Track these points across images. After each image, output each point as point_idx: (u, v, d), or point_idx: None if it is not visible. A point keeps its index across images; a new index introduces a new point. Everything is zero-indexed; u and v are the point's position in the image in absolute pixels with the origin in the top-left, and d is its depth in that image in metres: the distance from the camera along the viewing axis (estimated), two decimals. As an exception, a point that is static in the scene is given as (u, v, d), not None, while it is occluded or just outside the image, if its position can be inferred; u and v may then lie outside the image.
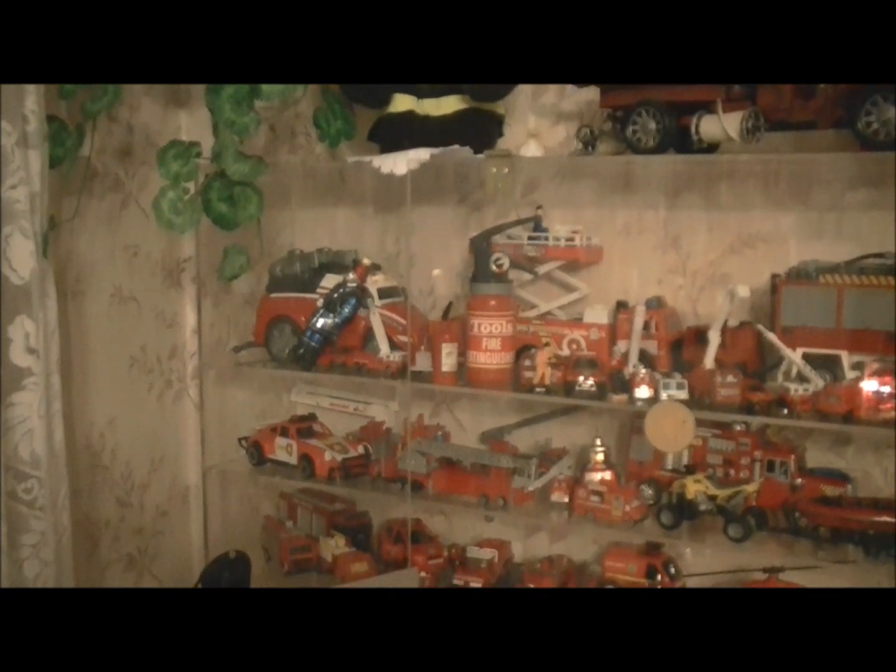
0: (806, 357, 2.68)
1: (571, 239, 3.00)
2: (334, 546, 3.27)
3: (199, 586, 2.87)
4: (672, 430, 2.70)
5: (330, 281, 3.21)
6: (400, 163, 2.90)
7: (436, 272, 3.35)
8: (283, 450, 3.31)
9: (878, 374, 2.52)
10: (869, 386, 2.52)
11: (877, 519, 2.61)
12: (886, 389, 2.51)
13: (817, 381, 2.63)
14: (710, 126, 2.64)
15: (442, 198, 3.33)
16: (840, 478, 2.80)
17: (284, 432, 3.33)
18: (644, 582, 2.96)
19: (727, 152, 2.76)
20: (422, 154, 2.89)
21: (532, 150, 3.03)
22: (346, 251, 3.37)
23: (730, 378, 2.68)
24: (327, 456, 3.21)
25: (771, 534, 2.79)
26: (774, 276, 2.78)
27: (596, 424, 3.10)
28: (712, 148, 2.76)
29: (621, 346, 2.90)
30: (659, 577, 2.95)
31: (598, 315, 2.95)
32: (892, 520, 2.61)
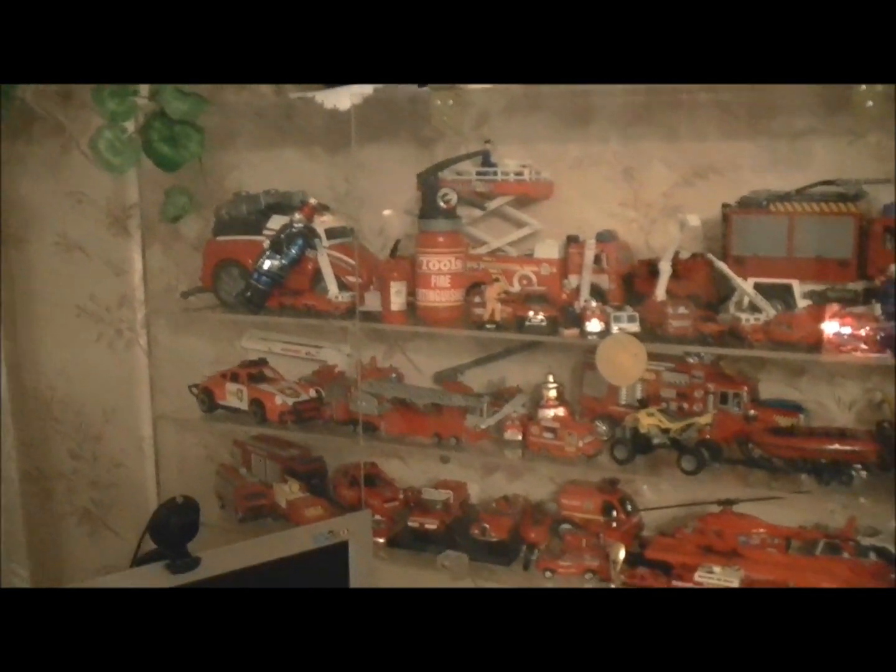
0: (758, 287, 2.65)
1: (520, 173, 2.95)
2: (288, 491, 3.23)
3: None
4: (624, 363, 2.66)
5: (277, 222, 3.14)
6: (343, 97, 2.83)
7: (387, 212, 3.29)
8: (234, 395, 3.26)
9: (839, 315, 2.49)
10: (830, 328, 2.49)
11: (829, 447, 2.61)
12: (847, 331, 2.48)
13: (769, 311, 2.60)
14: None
15: (392, 135, 3.25)
16: (793, 408, 2.78)
17: (235, 378, 3.28)
18: (600, 519, 2.95)
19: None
20: (365, 88, 2.82)
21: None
22: (294, 192, 3.29)
23: (681, 309, 2.65)
24: (278, 400, 3.17)
25: (726, 465, 2.78)
26: (725, 206, 2.74)
27: (549, 361, 3.06)
28: (662, 76, 2.70)
29: (573, 280, 2.86)
30: (615, 513, 2.95)
31: (548, 250, 2.91)
32: (844, 448, 2.60)
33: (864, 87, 2.33)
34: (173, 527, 2.24)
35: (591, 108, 2.99)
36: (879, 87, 2.32)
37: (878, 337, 2.44)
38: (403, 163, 3.21)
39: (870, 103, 2.34)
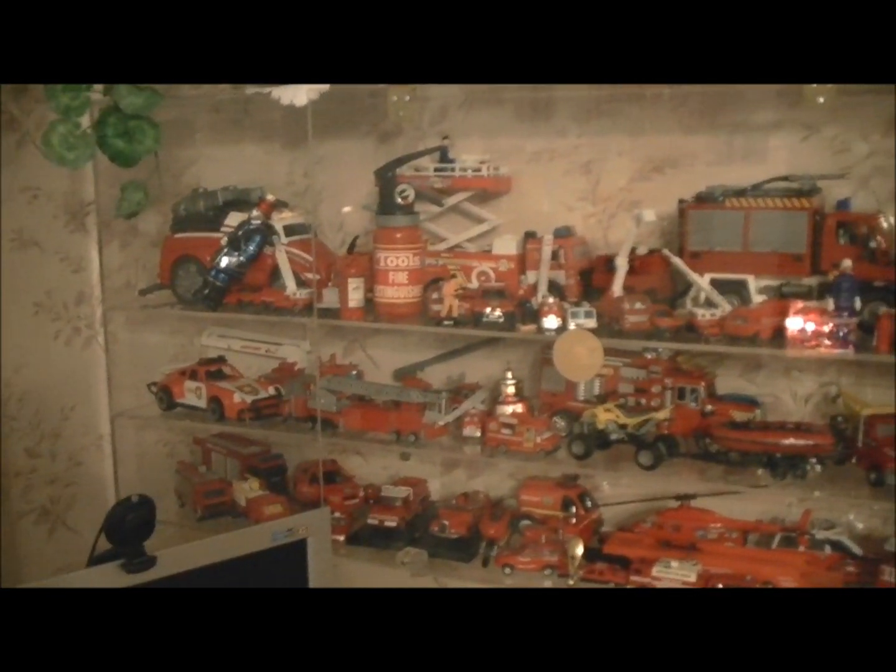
0: (714, 282, 2.66)
1: (478, 169, 2.94)
2: (248, 489, 3.21)
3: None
4: (580, 358, 2.66)
5: (235, 219, 3.13)
6: (300, 93, 2.81)
7: (346, 208, 3.28)
8: (193, 393, 3.24)
9: (803, 312, 2.50)
10: (794, 324, 2.50)
11: (783, 441, 2.62)
12: (811, 327, 2.48)
13: (724, 306, 2.61)
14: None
15: (351, 130, 3.24)
16: (750, 402, 2.80)
17: (194, 375, 3.26)
18: (560, 514, 2.95)
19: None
20: (322, 84, 2.80)
21: (438, 77, 2.95)
22: (253, 188, 3.28)
23: (638, 304, 2.65)
24: (237, 397, 3.15)
25: (684, 460, 2.79)
26: (681, 202, 2.75)
27: (509, 357, 3.06)
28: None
29: (530, 276, 2.86)
30: (574, 508, 2.95)
31: (506, 246, 2.91)
32: (799, 442, 2.61)
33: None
34: (128, 526, 2.22)
35: (550, 102, 2.99)
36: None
37: (841, 333, 2.46)
38: (363, 158, 3.20)
39: (821, 99, 2.35)
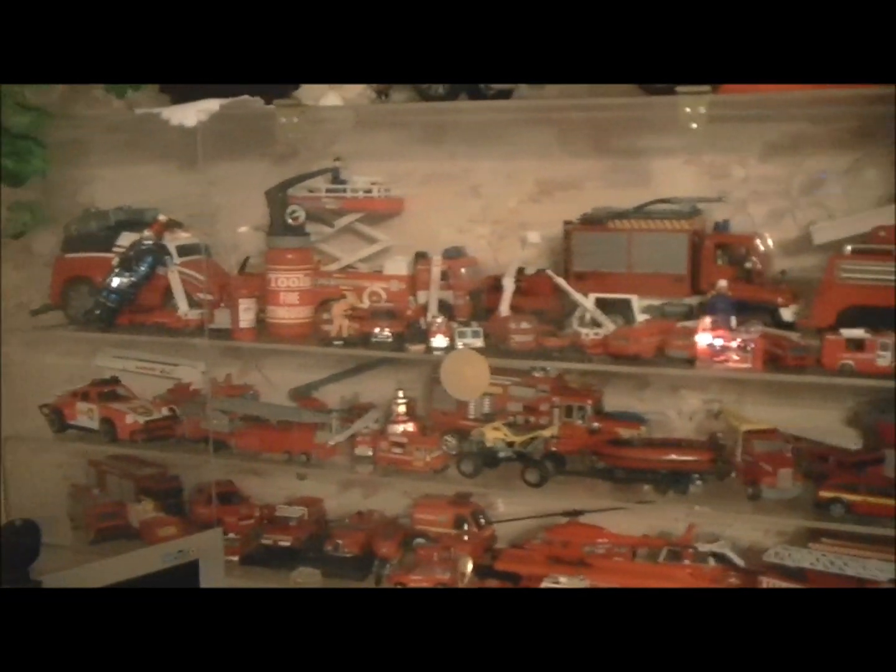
0: (599, 302, 2.72)
1: (369, 190, 2.97)
2: (142, 511, 3.19)
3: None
4: (467, 378, 2.71)
5: (127, 239, 3.12)
6: (189, 114, 2.81)
7: (242, 229, 3.27)
8: (85, 415, 3.21)
9: (712, 327, 2.55)
10: (703, 339, 2.54)
11: (665, 458, 2.68)
12: (720, 342, 2.54)
13: (608, 325, 2.66)
14: (496, 72, 2.63)
15: (247, 152, 3.25)
16: (636, 420, 2.86)
17: (86, 397, 3.23)
18: (453, 532, 2.98)
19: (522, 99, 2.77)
20: (211, 105, 2.81)
21: (331, 99, 2.97)
22: (147, 209, 3.26)
23: (524, 324, 2.70)
24: (129, 419, 3.13)
25: (574, 477, 2.83)
26: (567, 223, 2.81)
27: (402, 377, 3.08)
28: (506, 94, 2.76)
29: (421, 296, 2.89)
30: (467, 526, 2.98)
31: (397, 266, 2.94)
32: (681, 458, 2.68)
33: (687, 109, 2.41)
34: (11, 550, 2.20)
35: (441, 125, 3.03)
36: (702, 109, 2.40)
37: (748, 348, 2.51)
38: (259, 179, 3.19)
39: (694, 125, 2.42)
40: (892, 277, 2.42)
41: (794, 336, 2.54)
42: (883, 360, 2.38)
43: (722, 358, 2.52)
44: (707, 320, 2.55)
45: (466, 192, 3.03)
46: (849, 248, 2.49)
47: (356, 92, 3.04)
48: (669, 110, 2.47)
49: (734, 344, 2.51)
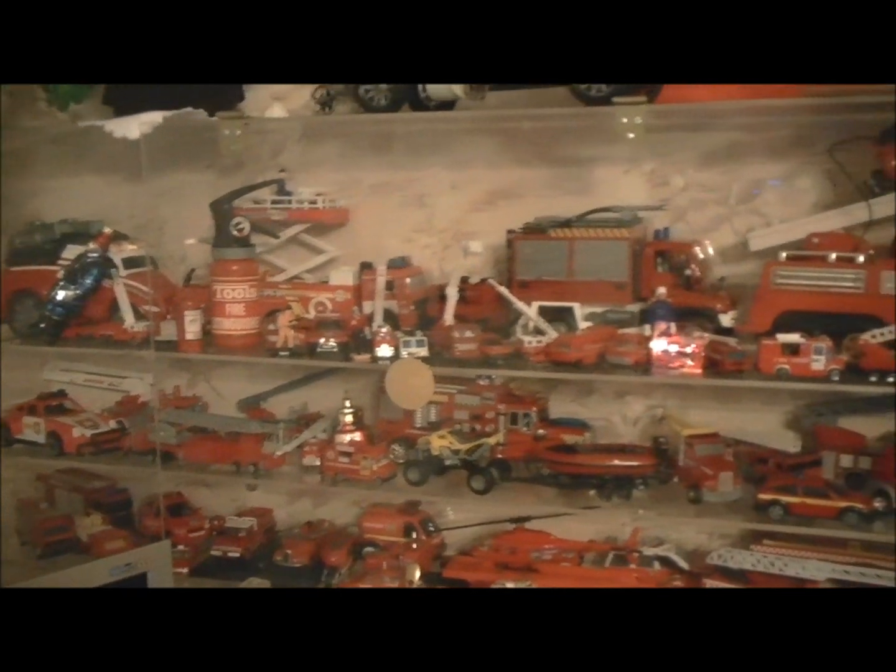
0: (543, 310, 2.74)
1: (314, 201, 2.99)
2: (90, 524, 3.17)
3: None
4: (412, 387, 2.72)
5: (72, 252, 3.11)
6: (132, 126, 2.81)
7: (189, 241, 3.27)
8: (31, 428, 3.20)
9: (666, 333, 2.57)
10: (658, 345, 2.56)
11: (608, 463, 2.71)
12: (674, 348, 2.56)
13: (551, 333, 2.69)
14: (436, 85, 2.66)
15: (193, 163, 3.25)
16: (580, 426, 2.88)
17: (32, 410, 3.22)
18: (401, 540, 2.99)
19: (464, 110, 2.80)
20: (154, 117, 2.81)
21: (277, 111, 2.98)
22: (93, 221, 3.25)
23: (467, 333, 2.72)
24: (76, 432, 3.12)
25: (521, 484, 2.85)
26: (510, 232, 2.83)
27: (349, 386, 3.09)
28: (448, 105, 2.78)
29: (367, 306, 2.91)
30: (415, 534, 3.00)
31: (343, 277, 2.95)
32: (625, 463, 2.71)
33: (624, 119, 2.45)
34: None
35: (387, 135, 3.05)
36: (638, 119, 2.44)
37: (690, 353, 2.53)
38: (205, 191, 3.20)
39: (631, 135, 2.46)
40: (826, 283, 2.47)
41: (732, 341, 2.58)
42: (818, 363, 2.43)
43: (664, 363, 2.56)
44: (648, 327, 2.59)
45: (411, 202, 3.06)
46: (784, 254, 2.54)
47: (301, 104, 3.07)
48: (608, 120, 2.51)
49: (675, 349, 2.55)
